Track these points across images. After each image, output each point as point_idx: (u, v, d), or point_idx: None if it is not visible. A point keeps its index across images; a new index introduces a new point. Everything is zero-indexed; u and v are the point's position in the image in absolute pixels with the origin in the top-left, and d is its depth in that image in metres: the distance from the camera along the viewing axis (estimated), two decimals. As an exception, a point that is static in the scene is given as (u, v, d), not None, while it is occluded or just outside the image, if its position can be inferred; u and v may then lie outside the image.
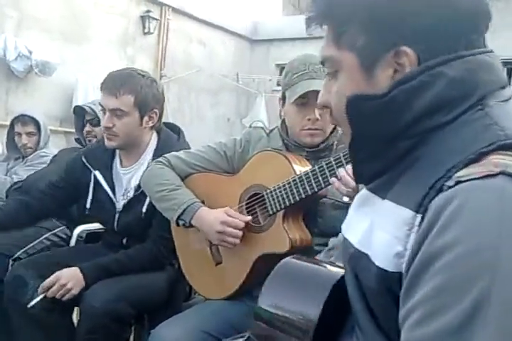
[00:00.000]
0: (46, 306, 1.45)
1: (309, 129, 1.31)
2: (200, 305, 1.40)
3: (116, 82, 1.49)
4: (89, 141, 2.27)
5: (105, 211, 1.61)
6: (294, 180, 1.22)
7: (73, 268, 1.47)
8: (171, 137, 1.65)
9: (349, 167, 1.13)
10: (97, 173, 1.61)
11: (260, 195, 1.30)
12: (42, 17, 4.25)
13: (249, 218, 1.31)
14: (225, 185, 1.40)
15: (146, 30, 5.23)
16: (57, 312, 1.49)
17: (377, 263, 0.57)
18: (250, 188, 1.33)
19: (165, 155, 1.52)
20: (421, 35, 0.58)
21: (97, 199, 1.62)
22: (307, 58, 1.32)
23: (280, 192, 1.24)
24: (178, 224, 1.38)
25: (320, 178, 1.18)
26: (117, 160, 1.65)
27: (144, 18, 5.19)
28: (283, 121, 1.41)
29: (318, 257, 1.04)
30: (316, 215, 1.30)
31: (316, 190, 1.20)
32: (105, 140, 1.56)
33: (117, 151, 1.65)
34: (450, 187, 0.48)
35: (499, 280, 0.42)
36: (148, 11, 5.19)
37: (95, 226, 1.94)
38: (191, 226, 1.35)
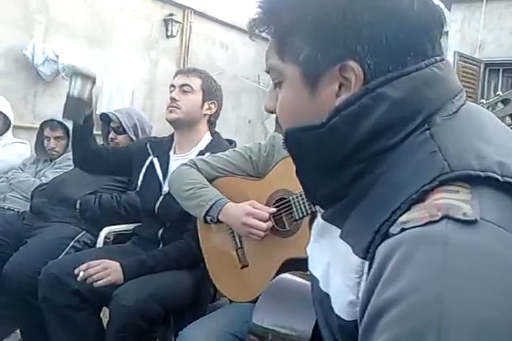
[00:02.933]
0: (77, 305, 1.51)
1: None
2: (227, 307, 1.43)
3: (189, 69, 1.82)
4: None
5: (151, 192, 1.71)
6: (320, 186, 1.23)
7: (115, 262, 1.52)
8: (223, 142, 1.78)
9: None
10: (155, 160, 1.75)
11: (286, 200, 1.32)
12: (69, 22, 4.34)
13: (274, 210, 1.32)
14: (250, 189, 1.42)
15: (169, 34, 5.29)
16: (86, 311, 1.54)
17: (335, 311, 0.55)
18: (276, 193, 1.35)
19: (192, 158, 1.55)
20: (367, 48, 0.54)
21: (146, 180, 1.74)
22: None
23: (306, 197, 1.26)
24: (206, 221, 1.40)
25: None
26: (173, 148, 1.78)
27: (167, 22, 5.26)
28: None
29: None
30: (342, 220, 1.31)
31: (341, 195, 1.21)
32: (167, 114, 1.71)
33: (174, 142, 1.78)
34: (394, 235, 0.47)
35: (445, 337, 0.40)
36: (171, 15, 5.25)
37: (122, 227, 1.98)
38: (218, 221, 1.37)
